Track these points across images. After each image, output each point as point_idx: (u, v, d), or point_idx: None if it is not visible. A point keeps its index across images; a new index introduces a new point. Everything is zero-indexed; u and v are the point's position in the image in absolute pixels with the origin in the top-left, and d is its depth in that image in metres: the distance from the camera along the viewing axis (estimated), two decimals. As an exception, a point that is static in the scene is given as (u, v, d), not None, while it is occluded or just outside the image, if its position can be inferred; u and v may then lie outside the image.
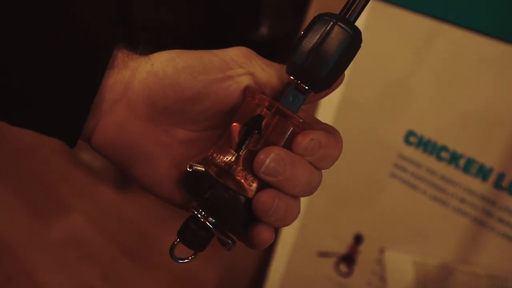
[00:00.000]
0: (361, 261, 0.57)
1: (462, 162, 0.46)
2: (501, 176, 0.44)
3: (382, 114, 0.51)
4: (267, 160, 0.25)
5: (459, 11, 0.44)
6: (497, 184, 0.45)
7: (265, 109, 0.27)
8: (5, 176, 1.30)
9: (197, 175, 0.27)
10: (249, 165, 0.26)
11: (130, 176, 0.30)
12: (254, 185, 0.26)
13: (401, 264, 0.52)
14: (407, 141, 0.50)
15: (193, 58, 0.28)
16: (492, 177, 0.45)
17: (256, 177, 0.26)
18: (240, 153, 0.27)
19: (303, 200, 0.59)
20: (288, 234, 0.63)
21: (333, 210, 0.57)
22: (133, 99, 0.28)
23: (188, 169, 0.27)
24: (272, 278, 0.66)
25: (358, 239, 0.56)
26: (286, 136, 0.27)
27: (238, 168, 0.27)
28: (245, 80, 0.28)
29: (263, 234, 0.27)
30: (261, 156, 0.25)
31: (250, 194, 0.26)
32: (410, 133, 0.49)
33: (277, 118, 0.26)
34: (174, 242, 0.29)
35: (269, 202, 0.26)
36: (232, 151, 0.27)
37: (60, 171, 1.34)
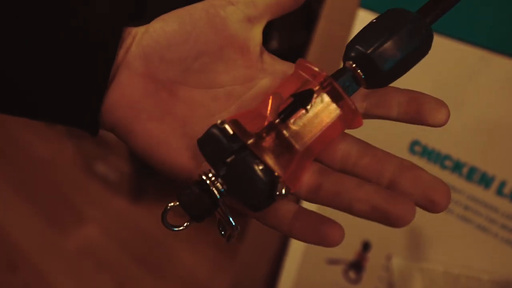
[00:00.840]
0: (369, 268, 0.58)
1: (465, 170, 0.48)
2: (502, 184, 0.46)
3: (387, 124, 0.53)
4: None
5: (457, 25, 0.46)
6: (499, 192, 0.46)
7: (318, 85, 0.25)
8: (23, 187, 1.33)
9: (223, 135, 0.24)
10: (283, 140, 0.24)
11: (134, 141, 0.28)
12: (284, 163, 0.24)
13: (408, 271, 0.54)
14: (412, 150, 0.51)
15: (185, 8, 0.28)
16: (494, 185, 0.46)
17: (290, 154, 0.24)
18: (278, 124, 0.24)
19: (315, 205, 0.61)
20: (298, 242, 0.65)
21: (341, 217, 0.59)
22: (130, 60, 0.28)
23: (214, 127, 0.24)
24: (283, 286, 0.68)
25: (366, 246, 0.58)
26: (331, 120, 0.25)
27: (272, 141, 0.24)
28: (230, 11, 0.28)
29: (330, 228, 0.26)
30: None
31: (279, 172, 0.24)
32: (415, 143, 0.51)
33: (327, 99, 0.24)
34: (168, 205, 0.26)
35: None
36: (268, 119, 0.25)
37: (75, 182, 1.38)
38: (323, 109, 0.24)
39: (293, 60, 0.27)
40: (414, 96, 0.26)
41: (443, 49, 0.47)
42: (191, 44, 0.27)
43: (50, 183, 1.36)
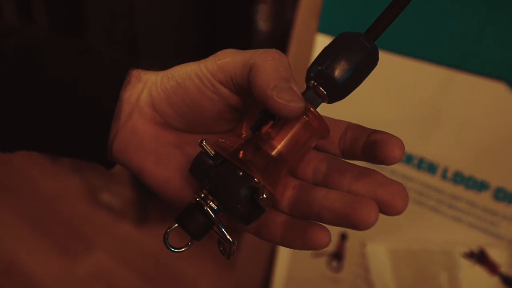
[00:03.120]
0: (348, 256, 0.66)
1: (415, 161, 0.57)
2: (445, 170, 0.55)
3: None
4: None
5: (423, 46, 0.56)
6: (444, 176, 0.55)
7: None
8: (34, 221, 1.41)
9: (207, 156, 0.27)
10: (259, 150, 0.27)
11: (143, 179, 0.32)
12: (262, 170, 0.26)
13: (379, 253, 0.62)
14: (371, 149, 0.60)
15: (181, 68, 0.30)
16: (439, 171, 0.55)
17: (264, 161, 0.27)
18: (252, 138, 0.27)
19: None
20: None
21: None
22: (142, 106, 0.31)
23: (199, 153, 0.27)
24: (277, 282, 0.76)
25: (343, 237, 0.66)
26: (300, 127, 0.27)
27: (249, 152, 0.27)
28: (218, 88, 0.29)
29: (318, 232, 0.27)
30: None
31: (257, 177, 0.26)
32: (373, 142, 0.60)
33: None
34: (169, 228, 0.28)
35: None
36: (244, 136, 0.28)
37: (82, 213, 1.46)
38: (290, 119, 0.27)
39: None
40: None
41: (410, 69, 0.55)
42: (188, 109, 0.30)
43: (59, 215, 1.44)
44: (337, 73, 0.27)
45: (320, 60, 0.28)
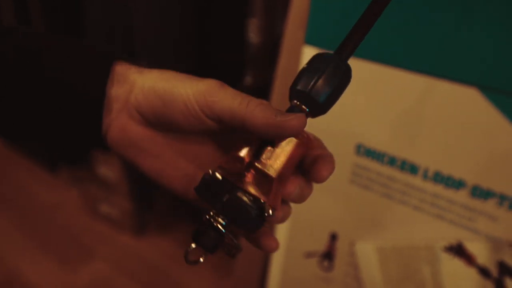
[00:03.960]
0: (339, 255, 0.70)
1: (399, 163, 0.60)
2: (426, 170, 0.58)
3: (334, 131, 0.66)
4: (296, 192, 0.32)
5: (402, 54, 0.60)
6: (425, 176, 0.58)
7: None
8: (33, 232, 1.44)
9: (215, 181, 0.30)
10: (261, 173, 0.30)
11: (138, 169, 0.36)
12: (266, 191, 0.30)
13: (367, 252, 0.65)
14: (358, 151, 0.64)
15: (168, 87, 0.32)
16: (420, 172, 0.59)
17: (268, 183, 0.30)
18: (254, 161, 0.31)
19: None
20: (280, 243, 0.76)
21: (312, 213, 0.71)
22: (131, 109, 0.34)
23: (207, 175, 0.31)
24: (272, 286, 0.79)
25: (333, 237, 0.70)
26: (293, 149, 0.31)
27: (253, 176, 0.30)
28: (202, 117, 0.32)
29: (270, 240, 0.33)
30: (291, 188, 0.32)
31: (263, 199, 0.30)
32: (359, 146, 0.64)
33: None
34: (188, 247, 0.32)
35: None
36: (245, 160, 0.31)
37: (82, 223, 1.48)
38: (285, 142, 0.31)
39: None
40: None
41: (392, 77, 0.59)
42: (172, 124, 0.33)
43: (59, 226, 1.47)
44: (318, 93, 0.30)
45: (301, 81, 0.31)
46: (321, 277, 0.72)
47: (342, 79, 0.31)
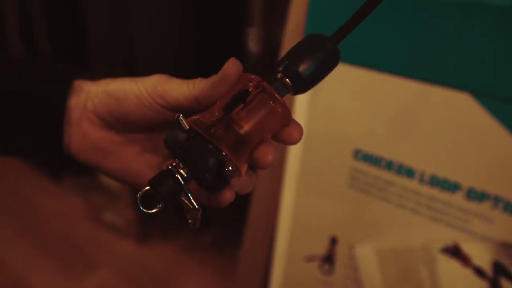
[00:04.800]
0: (339, 259, 0.71)
1: (396, 167, 0.62)
2: (422, 174, 0.60)
3: (333, 136, 0.67)
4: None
5: (396, 61, 0.62)
6: (421, 180, 0.60)
7: (252, 87, 0.31)
8: (38, 240, 1.45)
9: (181, 129, 0.30)
10: (229, 128, 0.30)
11: (103, 172, 0.37)
12: (230, 145, 0.29)
13: (367, 255, 0.66)
14: (356, 156, 0.66)
15: (119, 86, 0.34)
16: (417, 176, 0.60)
17: (233, 138, 0.29)
18: (224, 116, 0.30)
19: (290, 214, 0.74)
20: (281, 248, 0.77)
21: (312, 217, 0.72)
22: (89, 115, 0.36)
23: (176, 127, 0.30)
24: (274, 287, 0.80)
25: (333, 241, 0.71)
26: (267, 112, 0.30)
27: (220, 129, 0.30)
28: (156, 108, 0.33)
29: (227, 194, 0.32)
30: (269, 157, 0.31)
31: (225, 150, 0.29)
32: (357, 151, 0.65)
33: (261, 96, 0.30)
34: (142, 190, 0.31)
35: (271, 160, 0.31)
36: (216, 115, 0.30)
37: (86, 232, 1.50)
38: (258, 103, 0.31)
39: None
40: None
41: (388, 84, 0.61)
42: (128, 121, 0.35)
43: (63, 235, 1.49)
44: (302, 68, 0.31)
45: (288, 56, 0.31)
46: (322, 281, 0.73)
47: (328, 59, 0.31)
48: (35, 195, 1.62)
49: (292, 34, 0.73)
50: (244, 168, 0.31)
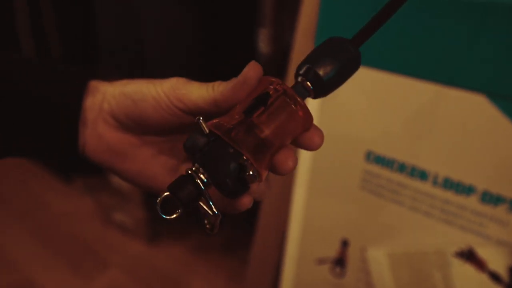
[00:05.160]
0: (350, 262, 0.70)
1: (408, 169, 0.61)
2: (436, 176, 0.59)
3: (344, 137, 0.67)
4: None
5: (413, 63, 0.61)
6: (434, 182, 0.59)
7: (273, 90, 0.30)
8: (48, 240, 1.46)
9: (200, 133, 0.29)
10: (249, 132, 0.29)
11: (117, 174, 0.37)
12: (251, 149, 0.29)
13: (379, 258, 0.66)
14: (367, 158, 0.65)
15: (137, 87, 0.34)
16: (430, 178, 0.59)
17: (254, 142, 0.29)
18: (245, 119, 0.29)
19: (301, 216, 0.74)
20: (292, 250, 0.77)
21: (322, 220, 0.72)
22: (105, 116, 0.35)
23: (194, 131, 0.30)
24: (284, 291, 0.79)
25: (345, 243, 0.70)
26: (288, 115, 0.30)
27: (240, 132, 0.29)
28: (174, 111, 0.33)
29: (246, 199, 0.31)
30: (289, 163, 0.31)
31: (246, 154, 0.28)
32: (369, 153, 0.65)
33: (282, 99, 0.30)
34: (162, 195, 0.30)
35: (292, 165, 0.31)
36: (237, 118, 0.30)
37: (96, 232, 1.50)
38: (279, 107, 0.30)
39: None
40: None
41: (402, 85, 0.60)
42: (145, 123, 0.35)
43: (73, 235, 1.49)
44: (323, 71, 0.30)
45: (309, 59, 0.31)
46: (333, 284, 0.73)
47: (349, 62, 0.31)
48: (45, 194, 1.63)
49: (303, 35, 0.72)
50: (265, 173, 0.31)
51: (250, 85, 0.31)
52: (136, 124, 0.35)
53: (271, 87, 0.31)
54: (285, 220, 0.77)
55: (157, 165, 0.37)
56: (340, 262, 0.71)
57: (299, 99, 0.30)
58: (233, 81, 0.31)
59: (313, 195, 0.71)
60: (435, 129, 0.58)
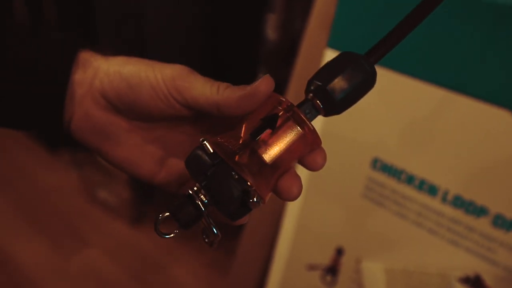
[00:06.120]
0: (343, 271, 0.66)
1: (417, 182, 0.57)
2: (446, 193, 0.55)
3: (350, 144, 0.62)
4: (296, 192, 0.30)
5: (422, 66, 0.56)
6: (444, 199, 0.55)
7: (282, 111, 0.29)
8: (29, 213, 1.41)
9: (205, 153, 0.28)
10: (255, 155, 0.28)
11: (103, 157, 0.34)
12: (256, 174, 0.28)
13: (375, 271, 0.62)
14: (373, 166, 0.60)
15: (135, 70, 0.31)
16: (439, 194, 0.55)
17: (259, 166, 0.28)
18: (250, 143, 0.28)
19: (296, 217, 0.69)
20: (282, 251, 0.73)
21: (318, 226, 0.68)
22: (95, 94, 0.32)
23: (198, 147, 0.28)
24: (269, 293, 0.76)
25: (340, 251, 0.66)
26: (296, 139, 0.29)
27: (245, 155, 0.28)
28: (172, 102, 0.31)
29: (245, 218, 0.30)
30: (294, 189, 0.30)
31: (250, 181, 0.27)
32: (376, 160, 0.60)
33: (291, 122, 0.29)
34: (160, 215, 0.29)
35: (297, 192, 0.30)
36: (242, 140, 0.29)
37: (78, 208, 1.45)
38: (287, 130, 0.29)
39: (279, 93, 0.32)
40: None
41: (418, 92, 0.55)
42: (138, 109, 0.32)
43: (55, 209, 1.44)
44: (336, 90, 0.28)
45: (321, 75, 0.29)
46: (322, 292, 0.69)
47: (364, 81, 0.29)
48: (30, 165, 1.57)
49: (316, 25, 0.67)
50: (267, 196, 0.29)
51: (259, 100, 0.29)
52: (127, 109, 0.33)
53: (280, 108, 0.29)
54: (278, 217, 0.73)
55: (144, 154, 0.34)
56: (332, 270, 0.68)
57: (308, 123, 0.29)
58: (241, 90, 0.29)
59: (311, 196, 0.67)
60: (451, 142, 0.54)
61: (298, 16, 0.94)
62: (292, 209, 0.69)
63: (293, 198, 0.30)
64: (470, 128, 0.52)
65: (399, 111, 0.58)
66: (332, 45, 0.63)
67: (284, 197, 0.30)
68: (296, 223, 0.70)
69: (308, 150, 0.30)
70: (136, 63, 0.32)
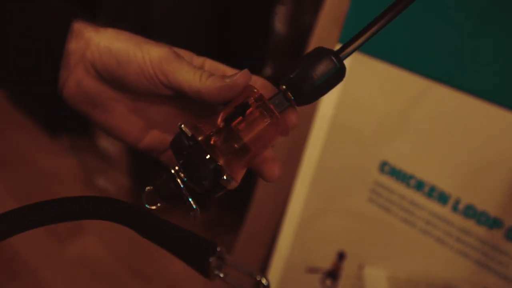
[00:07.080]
0: (344, 276, 0.64)
1: (426, 189, 0.54)
2: (457, 202, 0.52)
3: (359, 146, 0.59)
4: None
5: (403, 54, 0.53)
6: (455, 208, 0.52)
7: (253, 100, 0.32)
8: (26, 197, 1.39)
9: (185, 136, 0.32)
10: (227, 139, 0.32)
11: (93, 122, 0.37)
12: (227, 155, 0.32)
13: (377, 279, 0.59)
14: (382, 170, 0.58)
15: (124, 48, 0.34)
16: (450, 202, 0.53)
17: (230, 149, 0.32)
18: (223, 127, 0.32)
19: (297, 217, 0.67)
20: (281, 252, 0.71)
21: (320, 229, 0.65)
22: (86, 64, 0.35)
23: (180, 132, 0.32)
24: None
25: (341, 256, 0.64)
26: (264, 126, 0.32)
27: (219, 139, 0.32)
28: (156, 83, 0.34)
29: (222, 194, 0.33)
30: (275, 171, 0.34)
31: (221, 162, 0.31)
32: (384, 164, 0.58)
33: (260, 110, 0.32)
34: (146, 189, 0.34)
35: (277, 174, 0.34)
36: (217, 125, 0.32)
37: (76, 194, 1.43)
38: (256, 117, 0.32)
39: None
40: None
41: (429, 94, 0.53)
42: (125, 83, 0.35)
43: (52, 195, 1.41)
44: (305, 83, 0.31)
45: (293, 68, 0.32)
46: (322, 296, 0.67)
47: (333, 75, 0.32)
48: (28, 148, 1.55)
49: (327, 19, 0.64)
50: (240, 175, 0.33)
51: (236, 91, 0.33)
52: (115, 82, 0.35)
53: (252, 97, 0.32)
54: (280, 216, 0.71)
55: (130, 122, 0.37)
56: (332, 274, 0.65)
57: (275, 112, 0.32)
58: (222, 82, 0.32)
59: (315, 196, 0.65)
60: (466, 149, 0.51)
61: (308, 9, 0.91)
62: (294, 207, 0.67)
63: (274, 179, 0.34)
64: (488, 135, 0.49)
65: (411, 113, 0.55)
66: (344, 41, 0.60)
67: (265, 178, 0.34)
68: (297, 224, 0.67)
69: (278, 135, 0.33)
70: (125, 39, 0.34)
